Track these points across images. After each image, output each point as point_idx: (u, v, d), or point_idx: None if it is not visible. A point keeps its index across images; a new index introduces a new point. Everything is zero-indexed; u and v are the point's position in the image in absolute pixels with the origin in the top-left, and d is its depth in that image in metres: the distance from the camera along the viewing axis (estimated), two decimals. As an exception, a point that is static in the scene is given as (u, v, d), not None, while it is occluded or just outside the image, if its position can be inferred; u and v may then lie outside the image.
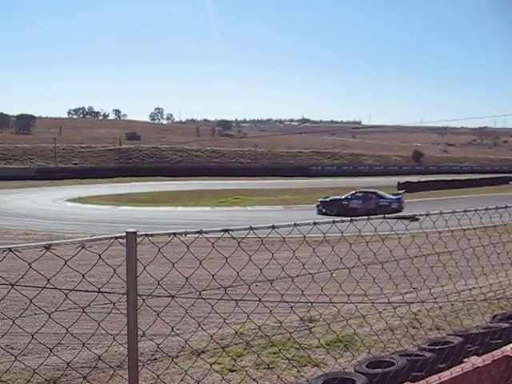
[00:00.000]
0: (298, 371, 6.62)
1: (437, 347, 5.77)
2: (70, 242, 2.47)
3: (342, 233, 3.45)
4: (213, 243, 2.91)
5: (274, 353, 7.31)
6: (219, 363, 6.91)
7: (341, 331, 7.13)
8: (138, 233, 2.56)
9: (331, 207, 32.44)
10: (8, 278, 2.69)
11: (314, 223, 3.18)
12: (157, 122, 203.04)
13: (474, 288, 6.88)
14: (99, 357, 5.41)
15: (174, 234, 2.63)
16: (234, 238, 3.07)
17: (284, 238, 3.24)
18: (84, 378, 5.19)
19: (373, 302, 5.16)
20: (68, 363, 5.09)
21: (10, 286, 2.54)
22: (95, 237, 2.55)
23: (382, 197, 33.36)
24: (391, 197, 33.80)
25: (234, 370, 6.84)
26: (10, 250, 2.32)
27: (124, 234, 2.55)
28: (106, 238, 2.54)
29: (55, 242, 2.41)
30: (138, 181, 72.01)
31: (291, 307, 4.40)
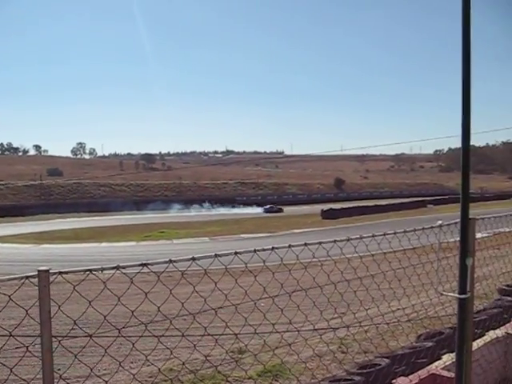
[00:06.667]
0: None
1: (365, 370, 5.83)
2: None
3: (264, 261, 3.42)
4: (131, 278, 2.80)
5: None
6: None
7: (269, 361, 7.07)
8: (50, 271, 2.44)
9: None
10: None
11: (236, 253, 3.14)
12: (79, 157, 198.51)
13: (397, 310, 7.02)
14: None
15: (90, 270, 2.52)
16: (154, 273, 2.98)
17: (205, 269, 3.18)
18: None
19: (298, 330, 5.14)
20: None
21: None
22: (5, 277, 2.40)
23: None
24: None
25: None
26: None
27: (36, 272, 2.42)
28: (16, 278, 2.40)
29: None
30: (61, 217, 69.95)
31: (216, 340, 4.31)
